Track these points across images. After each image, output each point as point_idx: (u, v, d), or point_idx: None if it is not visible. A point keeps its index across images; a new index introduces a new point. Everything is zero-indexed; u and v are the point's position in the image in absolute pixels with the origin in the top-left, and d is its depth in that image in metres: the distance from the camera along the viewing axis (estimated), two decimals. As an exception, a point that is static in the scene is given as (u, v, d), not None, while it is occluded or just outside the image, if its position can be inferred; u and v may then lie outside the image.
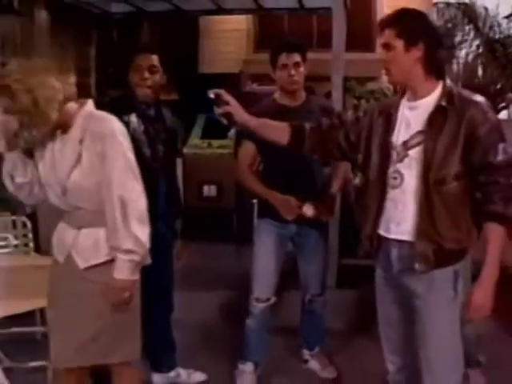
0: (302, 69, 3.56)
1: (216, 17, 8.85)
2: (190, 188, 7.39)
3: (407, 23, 2.47)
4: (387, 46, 2.49)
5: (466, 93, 2.50)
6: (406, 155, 2.49)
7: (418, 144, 2.46)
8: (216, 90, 2.60)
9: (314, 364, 4.02)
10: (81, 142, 2.54)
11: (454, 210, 2.45)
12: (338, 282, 5.54)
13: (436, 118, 2.44)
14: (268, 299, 3.71)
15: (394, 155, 2.53)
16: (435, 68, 2.49)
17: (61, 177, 2.56)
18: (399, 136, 2.53)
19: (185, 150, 7.67)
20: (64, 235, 2.68)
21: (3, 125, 2.42)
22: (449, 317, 2.56)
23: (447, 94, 2.47)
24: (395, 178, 2.52)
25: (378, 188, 2.59)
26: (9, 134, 2.44)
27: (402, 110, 2.57)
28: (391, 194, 2.54)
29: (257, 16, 9.58)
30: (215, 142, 7.67)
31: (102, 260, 2.61)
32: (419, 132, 2.47)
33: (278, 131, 2.79)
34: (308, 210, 3.51)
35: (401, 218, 2.52)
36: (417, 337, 2.62)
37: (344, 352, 4.25)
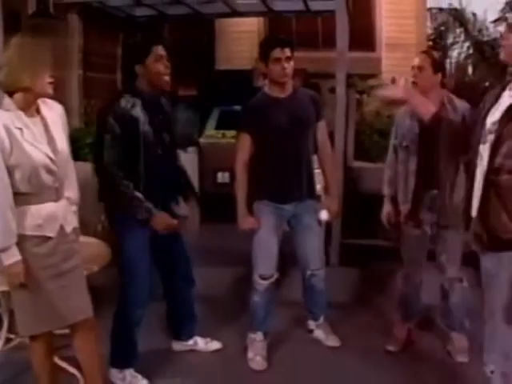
0: (292, 63, 3.56)
1: (230, 19, 8.81)
2: (205, 175, 7.40)
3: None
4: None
5: None
6: (486, 140, 2.45)
7: (494, 131, 2.42)
8: None
9: (318, 333, 4.02)
10: None
11: (506, 201, 2.39)
12: (341, 260, 5.52)
13: (508, 113, 2.39)
14: (271, 276, 3.70)
15: (483, 135, 2.48)
16: None
17: None
18: (488, 118, 2.48)
19: (201, 140, 7.65)
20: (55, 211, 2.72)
21: None
22: None
23: None
24: (481, 159, 2.48)
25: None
26: None
27: (503, 96, 2.48)
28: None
29: (267, 18, 9.53)
30: (229, 133, 7.64)
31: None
32: (497, 121, 2.43)
33: None
34: (323, 216, 3.70)
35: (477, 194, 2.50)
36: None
37: (347, 324, 4.23)
